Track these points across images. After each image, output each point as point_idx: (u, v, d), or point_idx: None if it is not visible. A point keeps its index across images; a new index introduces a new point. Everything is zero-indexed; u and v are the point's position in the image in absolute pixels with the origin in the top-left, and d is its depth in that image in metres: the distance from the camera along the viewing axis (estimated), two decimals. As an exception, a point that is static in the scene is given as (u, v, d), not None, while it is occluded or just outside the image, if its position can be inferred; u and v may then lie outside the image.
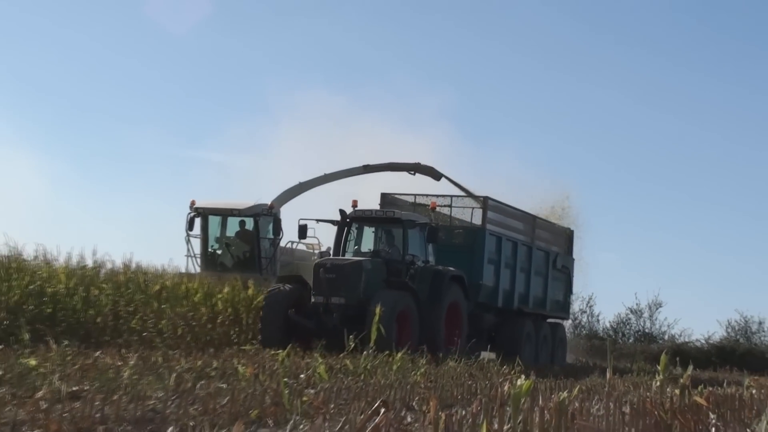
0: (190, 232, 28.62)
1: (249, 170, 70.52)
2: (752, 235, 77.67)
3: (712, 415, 7.33)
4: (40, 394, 8.85)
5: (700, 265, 75.10)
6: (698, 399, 7.44)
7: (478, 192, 29.50)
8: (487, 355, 21.24)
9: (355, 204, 25.15)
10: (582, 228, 43.40)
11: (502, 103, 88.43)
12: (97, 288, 23.82)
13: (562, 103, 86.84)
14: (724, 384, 17.43)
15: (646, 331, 52.18)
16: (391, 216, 25.04)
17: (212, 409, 8.71)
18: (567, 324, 36.58)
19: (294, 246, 29.43)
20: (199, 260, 28.86)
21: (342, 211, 24.96)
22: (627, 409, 6.08)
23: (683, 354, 34.53)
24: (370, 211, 25.40)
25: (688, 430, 6.49)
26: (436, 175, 32.01)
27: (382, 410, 6.94)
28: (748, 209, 79.34)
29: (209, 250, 29.27)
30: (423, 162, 32.24)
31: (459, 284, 25.05)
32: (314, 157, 75.69)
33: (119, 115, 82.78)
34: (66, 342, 16.80)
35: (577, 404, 5.47)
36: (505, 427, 4.48)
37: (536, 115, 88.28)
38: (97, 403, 8.40)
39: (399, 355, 16.21)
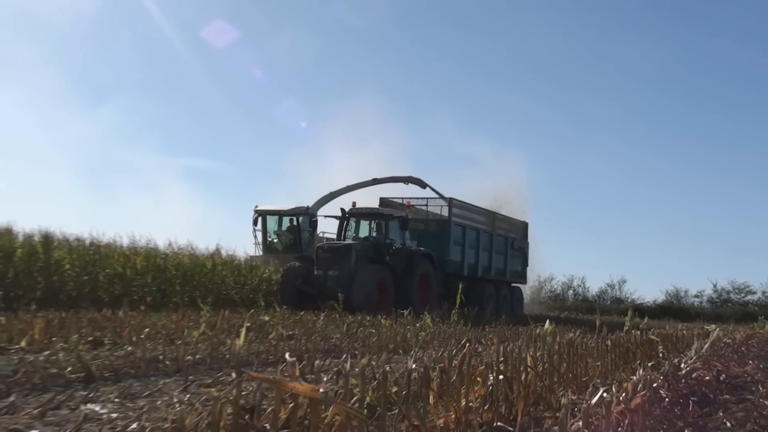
0: (255, 227, 25.58)
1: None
2: (682, 234, 75.32)
3: (660, 346, 7.18)
4: (271, 336, 9.01)
5: (648, 255, 73.36)
6: (652, 336, 7.30)
7: (450, 195, 25.47)
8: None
9: (354, 204, 22.09)
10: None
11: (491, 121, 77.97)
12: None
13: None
14: (666, 328, 16.99)
15: (617, 296, 51.89)
16: (376, 211, 22.00)
17: (367, 344, 8.77)
18: (525, 287, 30.94)
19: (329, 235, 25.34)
20: (261, 247, 25.76)
21: (342, 209, 21.88)
22: (609, 343, 5.99)
23: (640, 310, 33.33)
24: (362, 208, 22.00)
25: (646, 356, 6.37)
26: (423, 185, 27.59)
27: (467, 344, 6.96)
28: (679, 214, 76.92)
29: (268, 240, 25.90)
30: (414, 175, 27.79)
31: (428, 259, 21.46)
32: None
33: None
34: (285, 306, 17.10)
35: (579, 339, 5.44)
36: (539, 353, 4.48)
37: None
38: (303, 340, 8.54)
39: (473, 312, 15.87)
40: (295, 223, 25.79)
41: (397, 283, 20.20)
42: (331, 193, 26.87)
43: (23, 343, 7.03)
